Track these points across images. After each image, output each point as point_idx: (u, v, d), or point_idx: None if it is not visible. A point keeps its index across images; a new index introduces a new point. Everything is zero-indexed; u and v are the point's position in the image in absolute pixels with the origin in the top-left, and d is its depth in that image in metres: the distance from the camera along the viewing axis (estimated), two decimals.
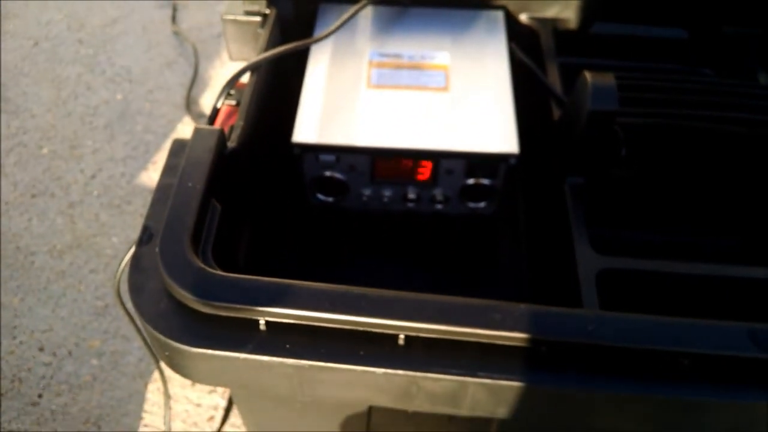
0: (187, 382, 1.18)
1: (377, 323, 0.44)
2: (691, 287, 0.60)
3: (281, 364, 0.45)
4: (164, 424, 1.13)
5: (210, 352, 0.45)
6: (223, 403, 1.15)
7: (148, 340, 0.49)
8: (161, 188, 0.54)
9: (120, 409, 1.16)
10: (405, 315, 0.45)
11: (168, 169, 0.56)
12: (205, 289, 0.45)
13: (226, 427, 1.13)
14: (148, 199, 1.48)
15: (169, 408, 1.06)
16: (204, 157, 0.54)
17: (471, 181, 0.71)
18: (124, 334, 1.25)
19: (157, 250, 0.47)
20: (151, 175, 1.53)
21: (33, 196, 1.49)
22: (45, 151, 1.59)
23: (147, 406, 1.16)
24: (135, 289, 0.48)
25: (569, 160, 0.67)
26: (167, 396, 1.10)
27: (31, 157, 1.58)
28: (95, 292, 1.31)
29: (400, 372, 0.45)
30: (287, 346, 0.45)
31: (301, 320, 0.45)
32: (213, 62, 1.83)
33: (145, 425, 1.14)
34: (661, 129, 0.67)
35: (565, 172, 0.68)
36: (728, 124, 0.64)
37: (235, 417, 1.14)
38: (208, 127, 0.57)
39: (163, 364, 1.18)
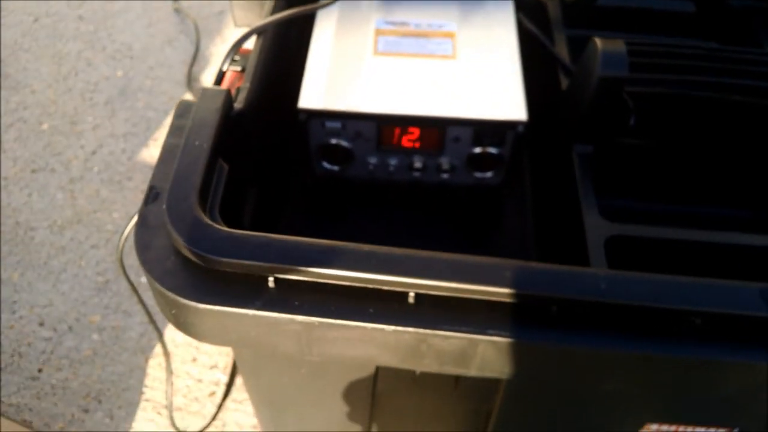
0: (189, 357, 1.18)
1: (387, 280, 0.44)
2: (701, 255, 0.59)
3: (290, 321, 0.45)
4: (165, 398, 1.13)
5: (218, 308, 0.45)
6: (225, 379, 1.15)
7: (156, 299, 0.49)
8: (167, 148, 0.54)
9: (121, 383, 1.16)
10: (415, 272, 0.44)
11: (174, 130, 0.55)
12: (214, 246, 0.45)
13: (228, 403, 1.13)
14: (149, 174, 1.47)
15: (171, 383, 1.06)
16: (211, 117, 0.53)
17: (478, 149, 0.71)
18: (126, 310, 1.24)
19: (164, 206, 0.47)
20: (152, 152, 1.53)
21: (33, 171, 1.48)
22: (45, 126, 1.58)
23: (148, 381, 1.16)
24: (142, 246, 0.48)
25: (577, 128, 0.67)
26: (169, 371, 1.10)
27: (31, 132, 1.57)
28: (96, 267, 1.31)
29: (410, 329, 0.44)
30: (296, 303, 0.45)
31: (311, 277, 0.45)
32: (214, 39, 1.81)
33: (146, 400, 1.14)
34: (670, 98, 0.67)
35: (573, 141, 0.67)
36: (739, 92, 0.64)
37: (236, 392, 1.14)
38: (215, 87, 0.56)
39: (165, 338, 1.18)
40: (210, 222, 0.46)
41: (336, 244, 0.45)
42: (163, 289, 0.46)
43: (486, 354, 0.45)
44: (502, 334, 0.44)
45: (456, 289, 0.44)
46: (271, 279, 0.45)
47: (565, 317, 0.45)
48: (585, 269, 0.45)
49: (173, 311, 0.47)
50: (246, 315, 0.45)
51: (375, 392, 0.62)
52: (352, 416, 0.67)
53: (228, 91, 0.55)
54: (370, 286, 0.45)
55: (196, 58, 1.74)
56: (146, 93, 1.67)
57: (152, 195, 0.51)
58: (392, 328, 0.44)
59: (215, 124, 0.52)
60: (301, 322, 0.45)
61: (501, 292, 0.43)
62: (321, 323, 0.45)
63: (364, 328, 0.45)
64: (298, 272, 0.45)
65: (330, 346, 0.47)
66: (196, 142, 0.51)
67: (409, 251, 0.45)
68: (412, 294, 0.45)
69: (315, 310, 0.45)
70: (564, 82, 0.74)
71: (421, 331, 0.44)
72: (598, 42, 0.62)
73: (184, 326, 0.48)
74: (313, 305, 0.45)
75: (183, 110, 0.56)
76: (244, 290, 0.46)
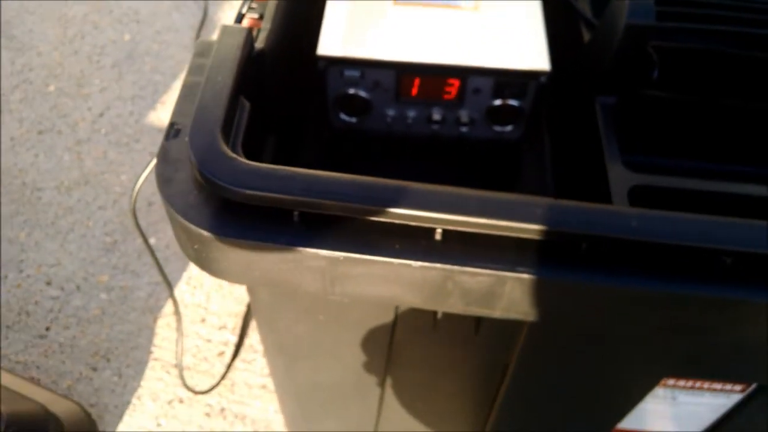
0: (198, 318, 1.18)
1: (414, 215, 0.43)
2: (725, 208, 0.58)
3: (315, 256, 0.44)
4: (175, 358, 1.13)
5: (242, 242, 0.44)
6: (234, 339, 1.15)
7: (176, 235, 0.48)
8: (187, 86, 0.53)
9: (129, 342, 1.16)
10: (443, 208, 0.43)
11: (194, 69, 0.54)
12: (238, 178, 0.44)
13: (237, 363, 1.13)
14: (157, 137, 1.46)
15: (181, 342, 1.06)
16: (232, 54, 0.52)
17: (498, 101, 0.70)
18: (134, 270, 1.24)
19: (186, 139, 0.46)
20: (160, 115, 1.51)
21: (39, 132, 1.47)
22: (51, 88, 1.57)
23: (157, 341, 1.16)
24: (163, 180, 0.47)
25: (601, 79, 0.66)
26: (179, 331, 1.10)
27: (37, 94, 1.55)
28: (104, 228, 1.30)
29: (437, 266, 0.44)
30: (321, 238, 0.44)
31: (336, 211, 0.44)
32: (222, 5, 1.79)
33: (155, 359, 1.14)
34: (696, 53, 0.66)
35: (596, 93, 0.66)
36: None
37: (245, 352, 1.14)
38: (235, 25, 0.55)
39: (177, 297, 1.17)
40: (234, 155, 0.45)
41: (362, 179, 0.45)
42: (186, 223, 0.45)
43: (513, 292, 0.44)
44: (531, 271, 0.43)
45: (485, 225, 0.43)
46: (296, 213, 0.45)
47: (594, 255, 0.44)
48: (615, 207, 0.44)
49: (195, 246, 0.46)
50: (271, 249, 0.44)
51: (392, 341, 0.62)
52: (367, 366, 0.67)
53: (249, 30, 0.54)
54: (397, 221, 0.44)
55: (203, 23, 1.72)
56: (153, 57, 1.65)
57: (173, 131, 0.50)
58: (419, 264, 0.44)
59: (237, 60, 0.51)
60: (325, 257, 0.44)
61: (531, 229, 0.43)
62: (346, 258, 0.44)
63: (390, 264, 0.44)
64: (324, 206, 0.44)
65: (354, 283, 0.46)
66: (218, 78, 0.50)
67: (436, 187, 0.44)
68: (439, 230, 0.44)
69: (340, 245, 0.44)
70: (586, 36, 0.73)
71: (448, 267, 0.44)
72: None
73: (205, 262, 0.48)
74: (339, 240, 0.44)
75: (203, 49, 0.55)
76: (269, 224, 0.45)
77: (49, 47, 1.66)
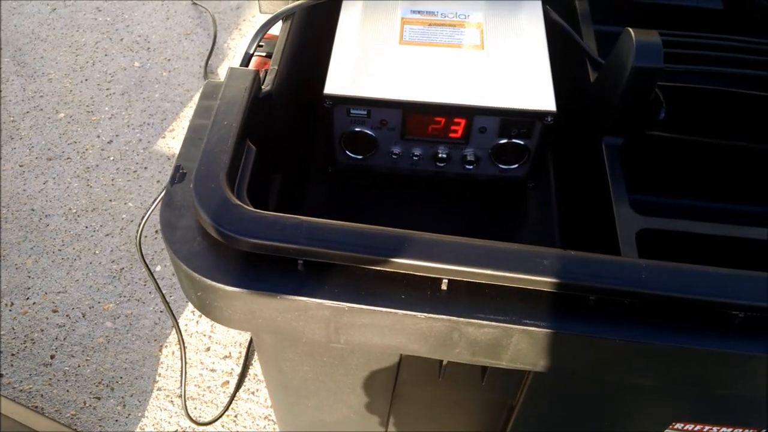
0: (202, 346, 1.17)
1: (420, 266, 0.43)
2: (736, 251, 0.58)
3: (319, 305, 0.44)
4: (179, 387, 1.12)
5: (245, 291, 0.44)
6: (238, 369, 1.14)
7: (180, 281, 0.48)
8: (194, 129, 0.53)
9: (134, 371, 1.15)
10: (449, 258, 0.43)
11: (201, 111, 0.54)
12: (243, 226, 0.44)
13: (241, 393, 1.12)
14: (165, 165, 1.47)
15: (185, 372, 1.05)
16: (239, 97, 0.52)
17: (504, 140, 0.69)
18: (140, 298, 1.24)
19: (191, 185, 0.46)
20: (168, 143, 1.52)
21: (49, 159, 1.48)
22: (62, 115, 1.58)
23: (161, 370, 1.15)
24: (167, 226, 0.47)
25: (607, 119, 0.65)
26: (183, 360, 1.09)
27: (47, 120, 1.56)
28: (110, 255, 1.30)
29: (443, 317, 0.43)
30: (326, 287, 0.44)
31: (342, 261, 0.44)
32: (231, 33, 1.81)
33: (159, 388, 1.13)
34: (703, 93, 0.66)
35: (603, 133, 0.66)
36: None
37: (249, 383, 1.14)
38: (242, 68, 0.55)
39: (181, 325, 1.17)
40: (239, 202, 0.45)
41: (367, 228, 0.44)
42: (189, 270, 0.45)
43: (520, 344, 0.44)
44: (538, 324, 0.43)
45: (492, 277, 0.43)
46: (300, 262, 0.44)
47: (603, 308, 0.43)
48: (625, 258, 0.43)
49: (198, 293, 0.46)
50: (274, 298, 0.44)
51: (397, 383, 0.61)
52: (371, 407, 0.66)
53: (257, 72, 0.55)
54: (403, 271, 0.44)
55: (213, 51, 1.74)
56: (163, 84, 1.66)
57: (178, 175, 0.50)
58: (424, 315, 0.43)
59: (244, 104, 0.51)
60: (329, 307, 0.44)
61: (538, 281, 0.42)
62: (350, 308, 0.44)
63: (395, 314, 0.44)
64: (329, 256, 0.43)
65: (358, 333, 0.46)
66: (225, 122, 0.50)
67: (443, 237, 0.44)
68: (445, 281, 0.44)
69: (345, 295, 0.44)
70: (593, 76, 0.73)
71: (454, 319, 0.43)
72: (633, 32, 0.61)
73: (208, 310, 0.47)
74: (343, 290, 0.44)
75: (210, 91, 0.56)
76: (273, 273, 0.45)
77: (60, 74, 1.68)
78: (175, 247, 0.46)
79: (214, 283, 0.44)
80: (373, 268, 0.44)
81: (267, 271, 0.45)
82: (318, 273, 0.44)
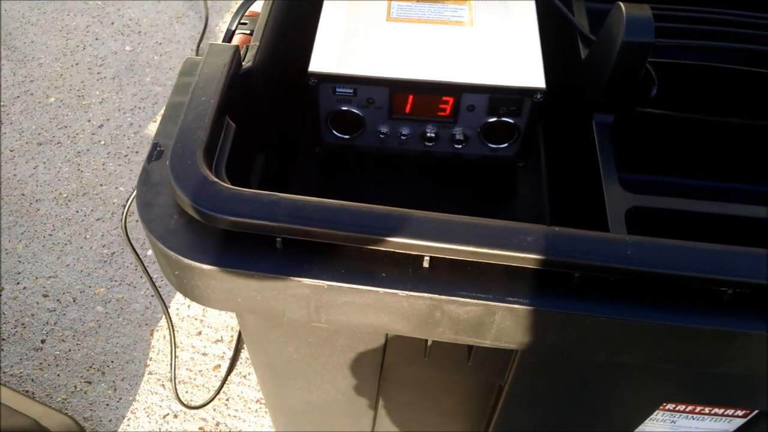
0: (194, 330, 1.17)
1: (401, 243, 0.42)
2: (728, 230, 0.57)
3: (298, 284, 0.43)
4: (169, 371, 1.12)
5: (223, 270, 0.43)
6: (230, 353, 1.14)
7: (158, 260, 0.47)
8: (172, 106, 0.52)
9: (125, 355, 1.14)
10: (431, 235, 0.42)
11: (179, 87, 0.53)
12: (219, 203, 0.43)
13: (232, 377, 1.12)
14: None
15: (175, 356, 1.05)
16: (218, 73, 0.51)
17: (493, 119, 0.68)
18: (131, 282, 1.23)
19: (167, 163, 0.45)
20: None
21: (39, 144, 1.47)
22: (52, 100, 1.56)
23: (152, 354, 1.15)
24: (144, 204, 0.46)
25: (598, 96, 0.64)
26: (174, 344, 1.09)
27: (37, 105, 1.55)
28: (101, 240, 1.29)
29: (425, 295, 0.42)
30: (304, 265, 0.43)
31: (321, 238, 0.43)
32: (224, 17, 1.79)
33: (150, 372, 1.12)
34: (694, 69, 0.64)
35: (593, 110, 0.65)
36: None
37: (241, 366, 1.13)
38: (222, 43, 0.54)
39: (170, 311, 1.16)
40: (215, 179, 0.44)
41: (346, 205, 0.43)
42: (165, 249, 0.44)
43: (503, 322, 0.43)
44: (521, 301, 0.42)
45: (474, 254, 0.42)
46: (278, 239, 0.43)
47: (587, 285, 0.42)
48: (609, 234, 0.42)
49: (176, 273, 0.45)
50: (252, 277, 0.43)
51: (384, 364, 0.60)
52: (359, 389, 0.65)
53: (236, 47, 0.53)
54: (383, 248, 0.43)
55: (204, 35, 1.72)
56: (154, 68, 1.65)
57: (156, 152, 0.49)
58: (405, 293, 0.42)
59: (222, 80, 0.50)
60: (309, 286, 0.43)
61: (521, 258, 0.41)
62: (330, 287, 0.43)
63: (376, 292, 0.43)
64: (308, 233, 0.42)
65: (339, 312, 0.45)
66: (203, 98, 0.49)
67: (424, 213, 0.43)
68: (427, 258, 0.43)
69: (324, 273, 0.43)
70: (584, 53, 0.72)
71: (435, 297, 0.42)
72: (623, 6, 0.60)
73: (187, 289, 0.46)
74: (323, 268, 0.43)
75: (189, 68, 0.54)
76: (251, 251, 0.44)
77: (50, 58, 1.66)
78: (151, 226, 0.45)
79: (190, 262, 0.43)
80: (353, 245, 0.43)
81: (245, 249, 0.44)
82: (297, 251, 0.44)
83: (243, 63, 0.56)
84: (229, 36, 0.60)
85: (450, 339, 0.46)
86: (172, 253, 0.44)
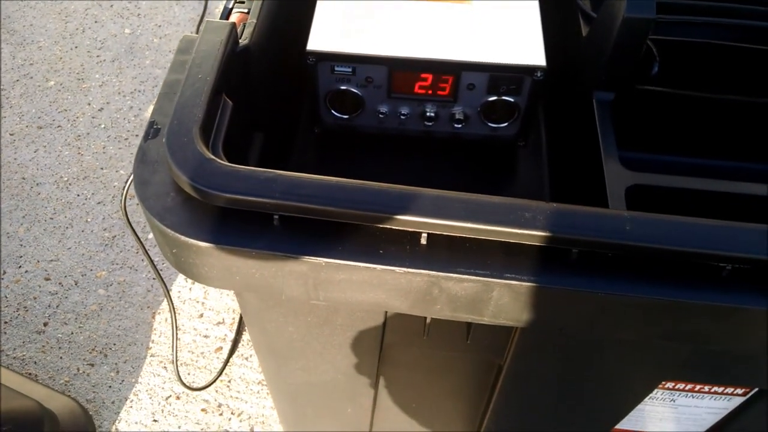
0: (196, 313, 1.17)
1: (398, 219, 0.42)
2: (729, 207, 0.57)
3: (296, 261, 0.43)
4: (171, 353, 1.12)
5: (220, 247, 0.43)
6: (232, 335, 1.14)
7: (155, 238, 0.47)
8: (168, 84, 0.51)
9: (127, 338, 1.15)
10: (428, 211, 0.42)
11: (176, 65, 0.53)
12: (216, 180, 0.43)
13: (234, 359, 1.12)
14: None
15: (177, 338, 1.05)
16: (215, 50, 0.51)
17: (493, 97, 0.68)
18: (132, 265, 1.23)
19: (164, 140, 0.45)
20: None
21: (39, 127, 1.46)
22: (52, 83, 1.56)
23: (154, 336, 1.15)
24: (141, 182, 0.46)
25: (598, 74, 0.64)
26: (174, 326, 1.09)
27: (37, 89, 1.54)
28: (102, 223, 1.30)
29: (422, 272, 0.42)
30: (302, 242, 0.43)
31: (318, 215, 0.42)
32: None
33: (152, 355, 1.13)
34: (696, 47, 0.64)
35: (594, 88, 0.64)
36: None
37: (243, 348, 1.13)
38: (219, 20, 0.54)
39: (172, 294, 1.17)
40: (212, 156, 0.44)
41: (344, 182, 0.43)
42: (162, 227, 0.44)
43: (501, 299, 0.43)
44: (519, 278, 0.42)
45: (471, 230, 0.41)
46: (276, 217, 0.43)
47: (586, 261, 0.42)
48: (608, 210, 0.42)
49: (173, 250, 0.45)
50: (250, 255, 0.43)
51: (383, 344, 0.60)
52: (359, 368, 0.65)
53: (233, 24, 0.53)
54: (381, 225, 0.42)
55: (204, 17, 1.70)
56: (154, 51, 1.64)
57: (152, 131, 0.48)
58: (403, 270, 0.42)
59: (219, 57, 0.50)
60: (307, 263, 0.43)
61: (520, 234, 0.41)
62: (328, 264, 0.43)
63: (374, 269, 0.43)
64: (305, 210, 0.42)
65: (337, 289, 0.45)
66: (199, 76, 0.48)
67: (422, 189, 0.43)
68: (424, 235, 0.43)
69: (322, 250, 0.43)
70: (585, 30, 0.71)
71: (433, 273, 0.42)
72: None
73: (184, 267, 0.46)
74: (320, 245, 0.43)
75: (186, 46, 0.54)
76: (248, 228, 0.43)
77: (49, 42, 1.65)
78: (148, 204, 0.45)
79: (188, 239, 0.43)
80: (350, 222, 0.43)
81: (242, 226, 0.44)
82: (294, 228, 0.43)
83: (240, 40, 0.55)
84: (226, 14, 0.60)
85: (448, 316, 0.46)
86: (170, 230, 0.43)
